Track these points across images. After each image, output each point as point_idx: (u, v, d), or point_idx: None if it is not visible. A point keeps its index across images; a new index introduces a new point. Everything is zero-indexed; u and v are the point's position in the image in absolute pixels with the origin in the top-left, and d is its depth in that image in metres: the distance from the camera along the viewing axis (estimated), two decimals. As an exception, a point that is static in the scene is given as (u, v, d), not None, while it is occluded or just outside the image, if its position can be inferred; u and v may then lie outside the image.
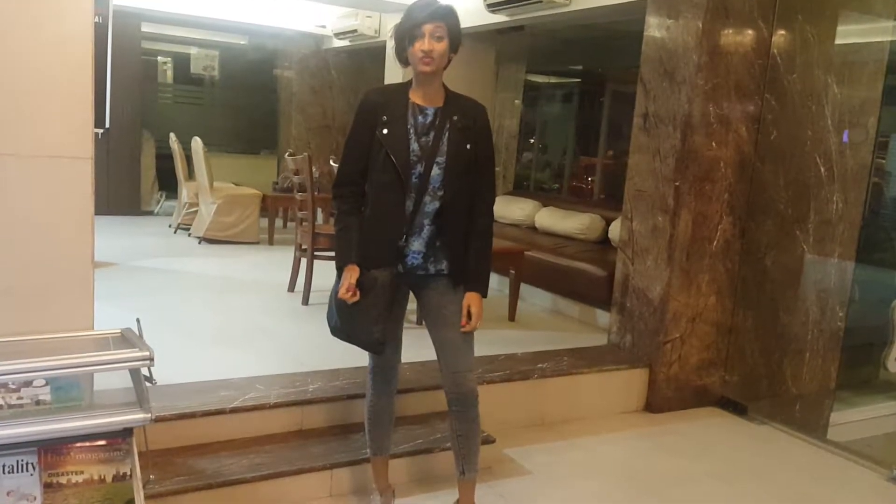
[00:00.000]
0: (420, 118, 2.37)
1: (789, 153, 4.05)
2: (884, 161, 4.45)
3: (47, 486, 2.01)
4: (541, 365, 3.82)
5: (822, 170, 4.03)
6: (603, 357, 4.12)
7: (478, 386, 2.50)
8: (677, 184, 3.87)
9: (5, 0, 2.11)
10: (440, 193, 2.37)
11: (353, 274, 2.35)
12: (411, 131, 2.35)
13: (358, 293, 2.33)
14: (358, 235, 2.41)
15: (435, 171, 2.35)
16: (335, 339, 2.49)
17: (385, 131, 2.34)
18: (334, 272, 2.46)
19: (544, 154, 9.58)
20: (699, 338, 4.11)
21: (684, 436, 3.81)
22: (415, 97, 2.39)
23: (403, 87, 2.42)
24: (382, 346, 2.42)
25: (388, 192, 2.37)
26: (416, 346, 2.75)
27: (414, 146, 2.35)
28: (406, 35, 2.32)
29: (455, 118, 2.39)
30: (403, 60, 2.40)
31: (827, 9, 4.08)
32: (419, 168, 2.34)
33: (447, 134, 2.36)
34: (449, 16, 2.32)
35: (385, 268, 2.38)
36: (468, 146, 2.40)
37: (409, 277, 2.45)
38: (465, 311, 2.44)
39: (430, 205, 2.38)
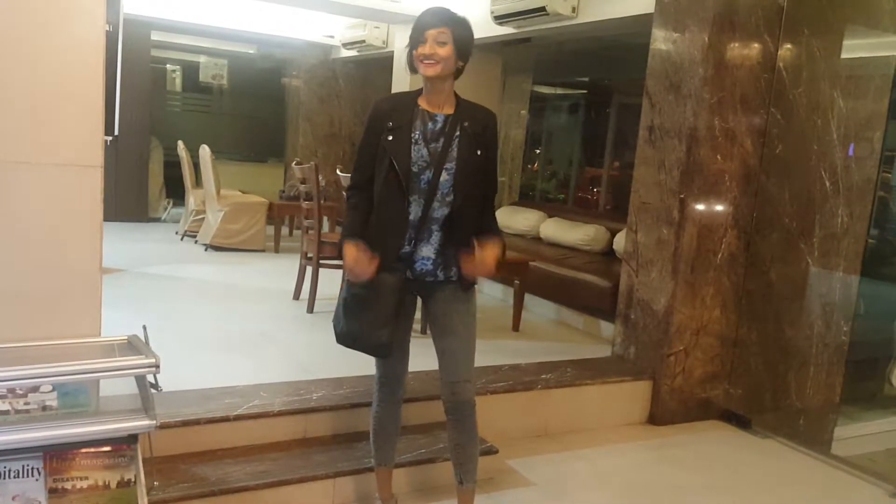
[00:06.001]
0: (430, 124, 2.39)
1: (795, 167, 4.06)
2: (889, 175, 4.45)
3: (52, 492, 2.03)
4: (544, 375, 3.82)
5: (828, 184, 4.03)
6: (607, 368, 4.11)
7: (479, 396, 2.51)
8: (682, 196, 3.88)
9: (18, 9, 2.14)
10: (449, 199, 2.39)
11: (354, 247, 2.34)
12: (419, 137, 2.37)
13: (371, 266, 2.33)
14: (363, 218, 2.43)
15: (444, 176, 2.37)
16: (340, 347, 2.50)
17: (390, 137, 2.36)
18: (339, 280, 2.47)
19: (550, 164, 9.59)
20: (703, 350, 4.10)
21: (688, 448, 3.80)
22: (424, 104, 2.42)
23: (413, 95, 2.45)
24: (389, 349, 2.42)
25: (391, 198, 2.38)
26: (420, 356, 2.76)
27: (423, 152, 2.36)
28: (412, 40, 2.36)
29: (465, 125, 2.41)
30: (413, 67, 2.43)
31: (833, 23, 4.09)
32: (428, 174, 2.36)
33: (457, 140, 2.39)
34: (455, 23, 2.35)
35: (393, 272, 2.40)
36: (479, 152, 2.41)
37: (418, 284, 2.46)
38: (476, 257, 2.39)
39: (439, 210, 2.39)
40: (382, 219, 2.42)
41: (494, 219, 2.61)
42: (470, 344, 2.49)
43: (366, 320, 2.39)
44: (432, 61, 2.32)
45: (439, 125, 2.40)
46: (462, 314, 2.48)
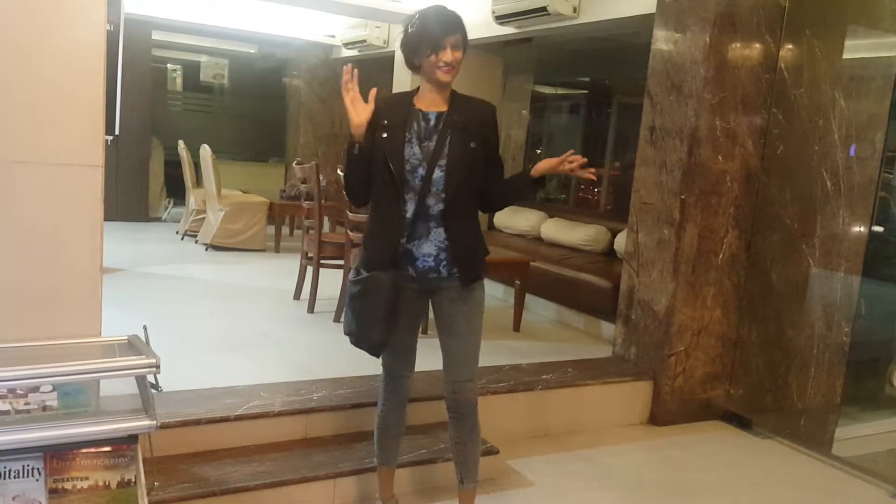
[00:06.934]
0: (423, 123, 2.42)
1: (796, 167, 4.05)
2: (891, 176, 4.44)
3: (52, 492, 2.02)
4: (545, 376, 3.82)
5: (829, 184, 4.03)
6: (607, 369, 4.11)
7: (480, 396, 2.51)
8: (683, 197, 3.88)
9: (19, 8, 2.14)
10: (443, 195, 2.39)
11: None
12: (413, 136, 2.39)
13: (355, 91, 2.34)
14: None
15: (437, 173, 2.38)
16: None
17: (385, 135, 2.39)
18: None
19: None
20: (704, 351, 4.10)
21: (688, 449, 3.80)
22: (419, 103, 2.44)
23: (408, 95, 2.48)
24: (380, 349, 2.47)
25: (386, 196, 2.41)
26: (422, 357, 2.76)
27: (415, 150, 2.38)
28: (425, 45, 2.34)
29: (457, 119, 2.42)
30: (415, 67, 2.43)
31: (835, 24, 4.08)
32: (421, 171, 2.38)
33: (449, 137, 2.39)
34: (463, 25, 2.39)
35: (388, 270, 2.41)
36: (472, 144, 2.41)
37: (423, 282, 2.47)
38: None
39: (435, 207, 2.40)
40: (379, 217, 2.46)
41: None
42: (474, 344, 2.50)
43: (362, 318, 2.43)
44: (451, 67, 2.35)
45: (432, 123, 2.42)
46: (468, 314, 2.48)
